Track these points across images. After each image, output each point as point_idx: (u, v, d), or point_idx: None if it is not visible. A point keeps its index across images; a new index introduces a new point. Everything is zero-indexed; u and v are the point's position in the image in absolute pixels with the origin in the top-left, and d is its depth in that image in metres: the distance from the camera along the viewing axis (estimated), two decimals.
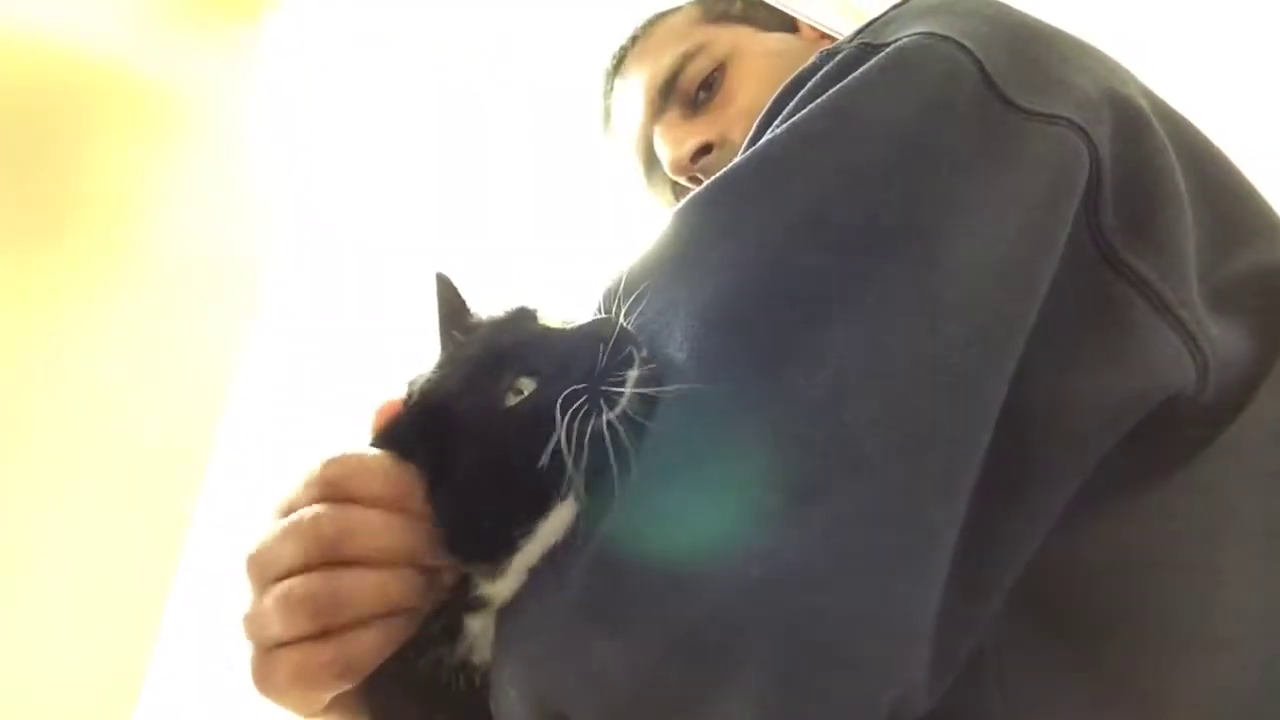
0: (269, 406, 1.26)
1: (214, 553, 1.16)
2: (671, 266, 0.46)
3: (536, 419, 0.40)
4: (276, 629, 0.39)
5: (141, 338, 1.17)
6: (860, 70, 0.47)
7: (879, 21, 0.53)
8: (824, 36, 0.93)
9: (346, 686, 0.40)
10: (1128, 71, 0.53)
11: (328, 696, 0.41)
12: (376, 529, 0.40)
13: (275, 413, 1.26)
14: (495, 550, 0.40)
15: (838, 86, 0.47)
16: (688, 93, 0.89)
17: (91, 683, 1.07)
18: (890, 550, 0.37)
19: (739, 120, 0.85)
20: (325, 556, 0.40)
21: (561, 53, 1.61)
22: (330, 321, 1.37)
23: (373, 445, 0.44)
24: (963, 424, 0.39)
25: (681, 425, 0.40)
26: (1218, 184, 0.50)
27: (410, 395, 0.45)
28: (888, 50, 0.48)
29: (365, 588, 0.40)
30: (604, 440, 0.39)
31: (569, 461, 0.38)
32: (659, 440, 0.40)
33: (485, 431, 0.40)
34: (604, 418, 0.39)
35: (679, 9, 0.96)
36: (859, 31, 0.53)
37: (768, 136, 0.47)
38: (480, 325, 0.48)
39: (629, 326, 0.44)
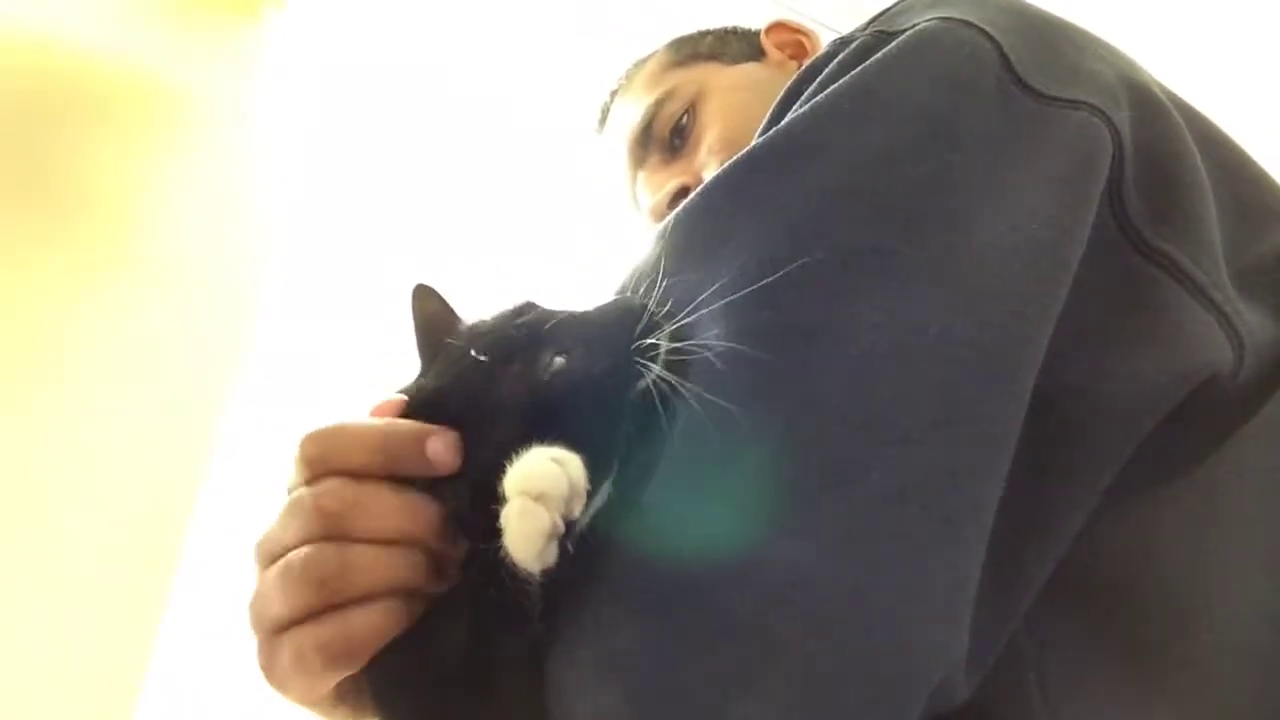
0: (269, 406, 1.26)
1: (214, 552, 1.16)
2: (696, 248, 0.45)
3: (577, 392, 0.40)
4: (277, 606, 0.38)
5: (141, 335, 1.17)
6: (881, 53, 0.47)
7: (891, 11, 0.53)
8: (791, 58, 0.95)
9: (348, 671, 0.38)
10: (1138, 62, 0.53)
11: (330, 682, 0.39)
12: (389, 507, 0.39)
13: (275, 412, 1.26)
14: None
15: (859, 68, 0.47)
16: (663, 138, 0.91)
17: (92, 682, 1.07)
18: (930, 528, 0.37)
19: (712, 157, 0.86)
20: (329, 532, 0.38)
21: (562, 54, 1.61)
22: (329, 321, 1.37)
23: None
24: (998, 402, 0.39)
25: (712, 405, 0.39)
26: (1233, 170, 0.50)
27: (423, 386, 0.44)
28: (908, 33, 0.48)
29: (375, 561, 0.38)
30: (655, 400, 0.39)
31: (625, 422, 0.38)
32: (690, 423, 0.39)
33: (525, 409, 0.39)
34: (647, 379, 0.39)
35: (652, 56, 0.98)
36: (871, 21, 0.53)
37: (789, 117, 0.47)
38: (483, 324, 0.47)
39: (650, 302, 0.43)
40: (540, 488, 0.37)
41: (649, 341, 0.40)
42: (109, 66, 1.20)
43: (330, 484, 0.39)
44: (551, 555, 0.37)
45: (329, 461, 0.40)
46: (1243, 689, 0.43)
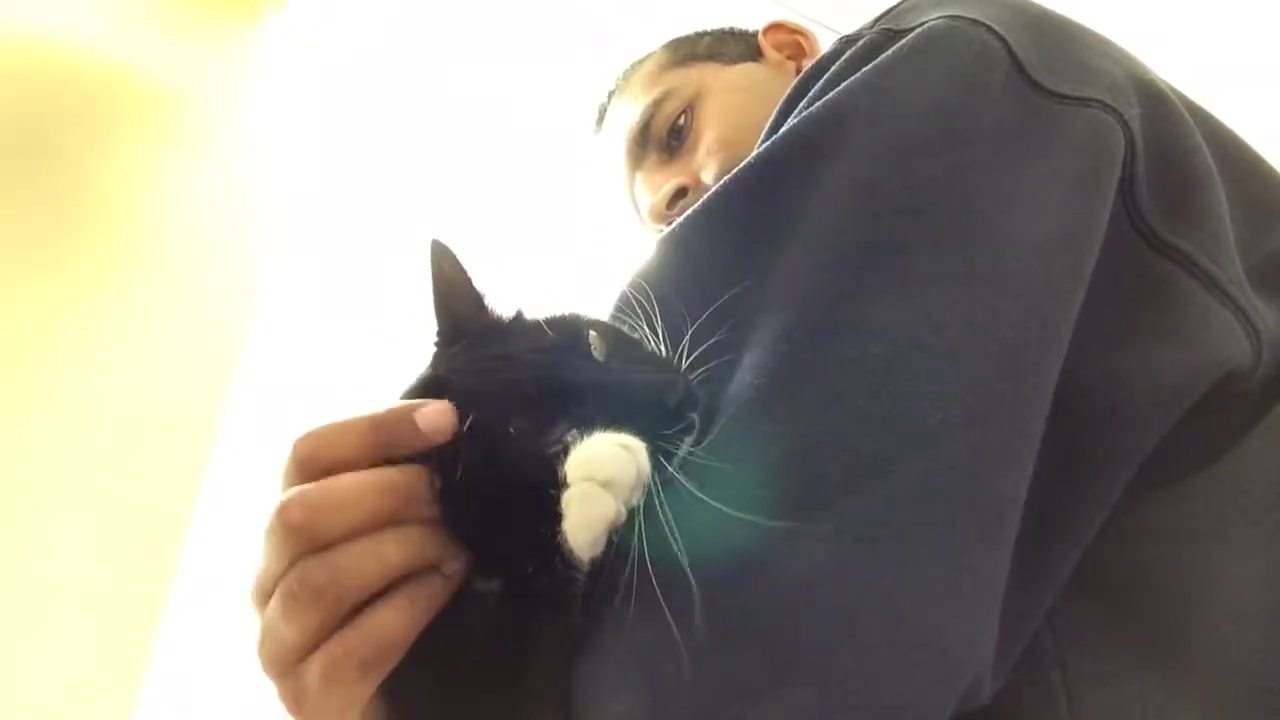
0: (269, 406, 1.26)
1: (214, 552, 1.16)
2: (714, 254, 0.45)
3: None
4: (288, 635, 0.37)
5: (141, 335, 1.17)
6: (890, 51, 0.47)
7: (897, 9, 0.53)
8: (789, 58, 0.95)
9: (383, 671, 0.37)
10: (1143, 61, 0.53)
11: (369, 689, 0.37)
12: (349, 495, 0.37)
13: (275, 412, 1.26)
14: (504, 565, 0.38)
15: (870, 66, 0.47)
16: (661, 138, 0.91)
17: (92, 682, 1.07)
18: (957, 525, 0.36)
19: (710, 158, 0.86)
20: (307, 544, 0.36)
21: (561, 54, 1.61)
22: (330, 321, 1.37)
23: None
24: (1021, 398, 0.39)
25: (740, 401, 0.39)
26: (1241, 166, 0.51)
27: (428, 382, 0.42)
28: (916, 32, 0.48)
29: (361, 556, 0.36)
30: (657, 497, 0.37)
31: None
32: (719, 420, 0.39)
33: (527, 476, 0.37)
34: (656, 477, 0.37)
35: (650, 56, 0.98)
36: (878, 18, 0.53)
37: (801, 115, 0.47)
38: (515, 332, 0.44)
39: (693, 382, 0.42)
40: (608, 474, 0.35)
41: (671, 449, 0.38)
42: (109, 68, 1.20)
43: (289, 494, 0.37)
44: (602, 544, 0.36)
45: (321, 458, 0.38)
46: (1261, 683, 0.43)
